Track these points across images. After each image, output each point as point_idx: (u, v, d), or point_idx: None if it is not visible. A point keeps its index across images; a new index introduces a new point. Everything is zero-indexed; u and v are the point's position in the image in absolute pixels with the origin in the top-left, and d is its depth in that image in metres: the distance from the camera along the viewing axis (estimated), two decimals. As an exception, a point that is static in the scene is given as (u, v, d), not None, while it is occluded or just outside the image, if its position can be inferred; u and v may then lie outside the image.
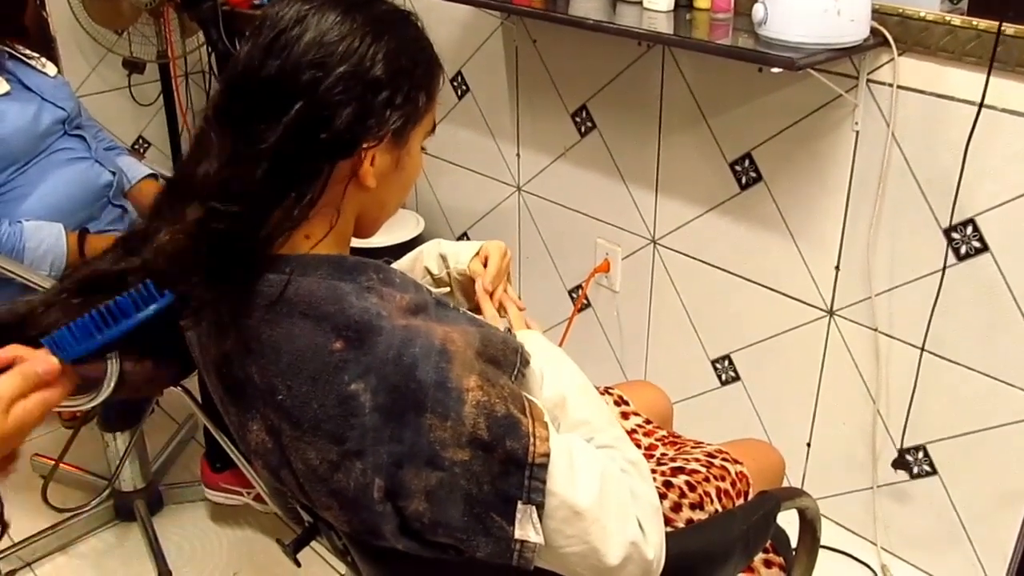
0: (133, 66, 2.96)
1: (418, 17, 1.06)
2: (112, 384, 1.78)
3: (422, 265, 1.38)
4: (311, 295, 0.95)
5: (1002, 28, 1.61)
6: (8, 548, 2.15)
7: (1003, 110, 1.68)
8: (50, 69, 2.04)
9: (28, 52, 2.02)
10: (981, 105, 1.67)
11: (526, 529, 0.91)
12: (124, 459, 2.21)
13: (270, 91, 0.95)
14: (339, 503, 0.95)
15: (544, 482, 0.91)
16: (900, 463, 2.03)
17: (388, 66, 0.97)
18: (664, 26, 1.97)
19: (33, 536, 2.19)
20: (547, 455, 0.92)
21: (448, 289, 1.37)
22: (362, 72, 0.96)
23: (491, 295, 1.29)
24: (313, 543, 1.24)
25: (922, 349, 1.93)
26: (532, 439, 0.92)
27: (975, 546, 1.99)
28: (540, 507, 0.92)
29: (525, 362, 1.01)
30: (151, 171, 2.20)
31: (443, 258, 1.37)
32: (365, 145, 0.97)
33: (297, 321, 0.94)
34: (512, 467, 0.91)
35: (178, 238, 0.99)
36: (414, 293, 1.01)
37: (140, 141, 3.21)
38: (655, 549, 0.95)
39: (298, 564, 1.24)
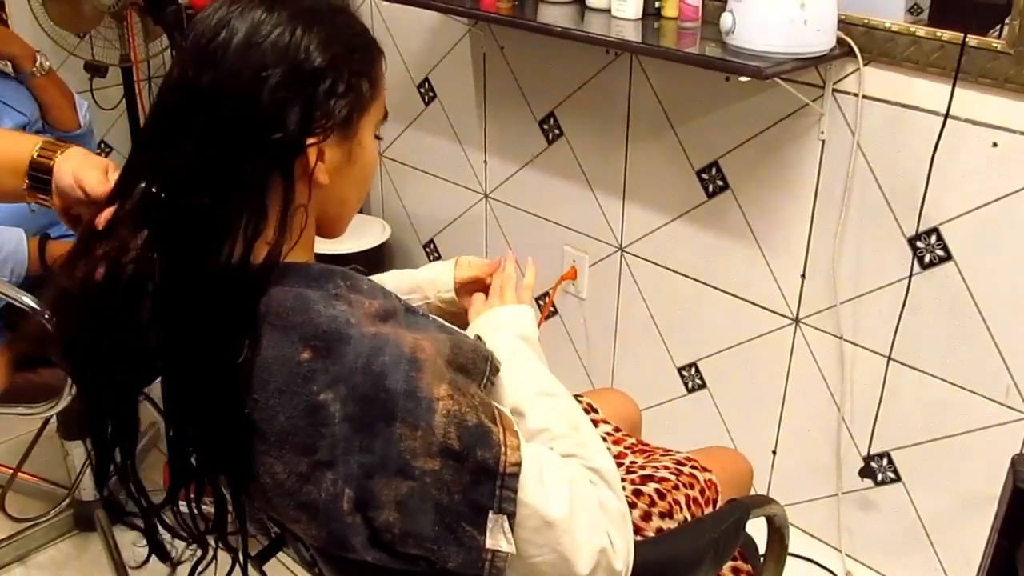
0: (95, 70, 2.92)
1: (348, 3, 1.03)
2: (72, 392, 1.77)
3: None
4: (279, 305, 0.94)
5: (966, 39, 1.63)
6: (-35, 559, 2.12)
7: (966, 120, 1.70)
8: (11, 71, 2.01)
9: None
10: (947, 116, 1.69)
11: (497, 539, 0.91)
12: (84, 468, 2.17)
13: (209, 104, 0.93)
14: (308, 516, 0.93)
15: (515, 491, 0.91)
16: (866, 471, 2.05)
17: (323, 55, 0.95)
18: (632, 34, 1.97)
19: (-11, 547, 2.15)
20: (518, 464, 0.91)
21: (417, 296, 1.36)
22: (298, 65, 0.94)
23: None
24: (280, 554, 1.22)
25: (887, 357, 1.95)
26: (503, 448, 0.91)
27: (938, 552, 2.01)
28: (511, 517, 0.91)
29: (495, 370, 1.00)
30: None
31: (415, 287, 1.35)
32: (311, 141, 0.95)
33: (265, 332, 0.93)
34: (483, 476, 0.90)
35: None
36: (383, 299, 1.00)
37: (102, 145, 3.16)
38: (623, 559, 0.94)
39: (264, 576, 1.23)
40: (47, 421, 2.16)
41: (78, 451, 2.16)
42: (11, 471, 2.15)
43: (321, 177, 0.98)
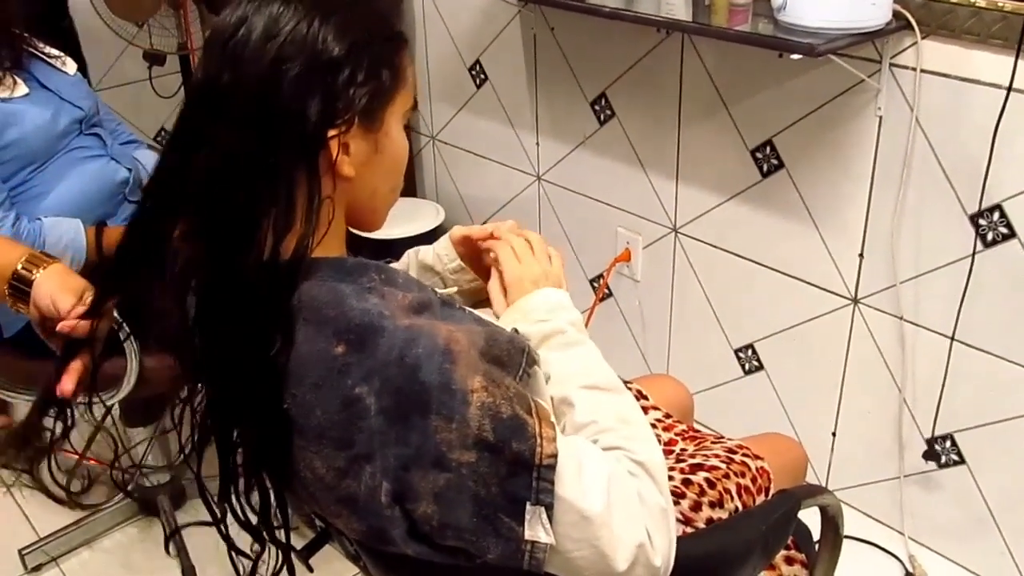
0: (154, 58, 2.96)
1: None
2: (132, 381, 1.80)
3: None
4: (313, 300, 0.94)
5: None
6: (34, 543, 2.18)
7: (1029, 93, 1.64)
8: (69, 67, 2.03)
9: (50, 51, 2.02)
10: (1010, 89, 1.63)
11: (536, 530, 0.90)
12: (147, 454, 2.21)
13: (231, 101, 0.93)
14: (348, 510, 0.94)
15: (552, 483, 0.90)
16: (929, 454, 2.00)
17: (341, 44, 0.95)
18: (682, 13, 1.94)
19: (58, 531, 2.20)
20: (554, 456, 0.90)
21: (455, 289, 1.35)
22: (316, 56, 0.94)
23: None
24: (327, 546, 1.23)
25: (949, 337, 1.90)
26: (539, 440, 0.90)
27: (1004, 535, 1.96)
28: (549, 508, 0.90)
29: (532, 361, 0.99)
30: None
31: (426, 267, 1.33)
32: (332, 133, 0.95)
33: (299, 328, 0.93)
34: (519, 468, 0.89)
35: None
36: (417, 292, 1.00)
37: (162, 133, 3.21)
38: (662, 555, 0.93)
39: (310, 569, 1.23)
40: (109, 409, 2.20)
41: (140, 438, 2.20)
42: (77, 456, 2.20)
43: (346, 170, 0.98)
